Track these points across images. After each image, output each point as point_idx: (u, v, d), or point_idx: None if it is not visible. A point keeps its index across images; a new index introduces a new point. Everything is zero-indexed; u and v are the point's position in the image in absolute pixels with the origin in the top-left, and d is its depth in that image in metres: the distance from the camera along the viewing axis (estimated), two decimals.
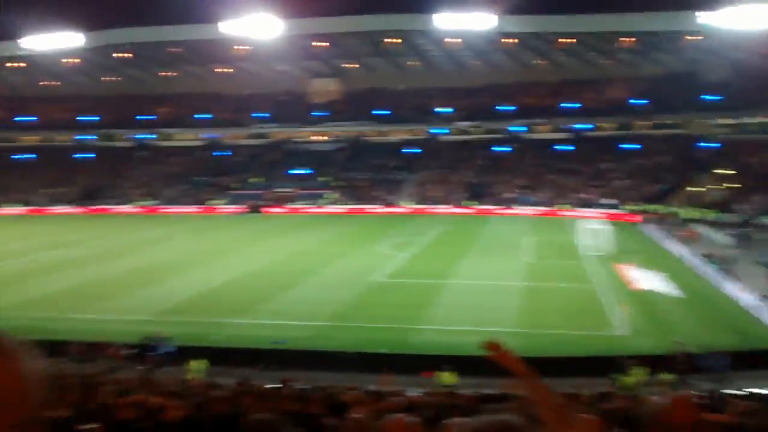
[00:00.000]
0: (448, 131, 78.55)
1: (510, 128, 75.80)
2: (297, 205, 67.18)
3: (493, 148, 73.85)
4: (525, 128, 75.61)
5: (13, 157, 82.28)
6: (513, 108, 75.83)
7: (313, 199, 67.94)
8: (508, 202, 62.90)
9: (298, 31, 70.96)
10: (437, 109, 78.61)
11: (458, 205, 63.33)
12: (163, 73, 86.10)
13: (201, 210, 68.04)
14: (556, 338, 22.36)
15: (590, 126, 73.24)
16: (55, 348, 21.34)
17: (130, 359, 20.54)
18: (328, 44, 75.37)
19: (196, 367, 18.86)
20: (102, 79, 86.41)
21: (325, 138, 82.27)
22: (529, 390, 2.52)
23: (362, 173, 72.29)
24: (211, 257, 39.14)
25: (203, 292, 29.66)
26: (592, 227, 39.42)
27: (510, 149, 73.57)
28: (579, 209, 57.14)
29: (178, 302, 27.74)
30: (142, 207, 69.78)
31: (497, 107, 76.16)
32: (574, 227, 44.70)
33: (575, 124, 73.50)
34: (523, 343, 19.84)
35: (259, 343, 21.92)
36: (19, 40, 71.79)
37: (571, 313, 25.54)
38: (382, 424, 3.02)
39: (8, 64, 79.87)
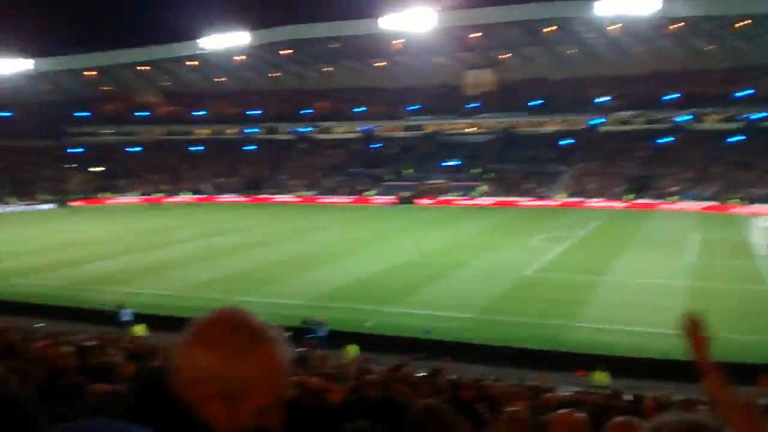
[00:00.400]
0: (606, 121, 75.29)
1: (675, 119, 71.34)
2: (449, 197, 67.40)
3: (656, 140, 69.82)
4: (691, 117, 70.85)
5: (188, 149, 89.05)
6: (678, 96, 71.26)
7: (465, 190, 67.81)
8: (672, 196, 59.32)
9: (453, 22, 71.09)
10: (596, 99, 75.52)
11: (617, 199, 60.68)
12: (322, 69, 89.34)
13: (355, 201, 70.09)
14: (723, 343, 20.79)
15: (765, 114, 67.22)
16: None
17: (287, 341, 21.60)
18: (482, 34, 74.75)
19: (351, 352, 19.46)
20: (267, 75, 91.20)
21: (478, 129, 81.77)
22: (712, 387, 2.36)
23: (515, 165, 71.15)
24: (365, 247, 40.26)
25: (356, 280, 30.58)
26: (766, 225, 36.29)
27: (674, 140, 69.25)
28: (751, 205, 52.79)
29: (332, 289, 28.79)
30: (300, 197, 73.05)
31: (661, 96, 71.92)
32: (746, 224, 41.39)
33: (749, 113, 67.73)
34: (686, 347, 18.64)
35: (409, 332, 22.22)
36: (197, 40, 77.54)
37: (741, 317, 23.68)
38: (550, 419, 2.95)
39: (187, 63, 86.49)
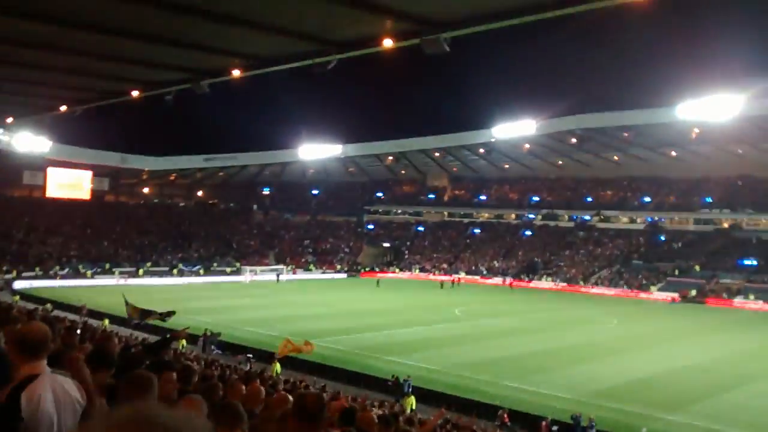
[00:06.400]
0: None
1: None
2: (743, 300, 60.91)
3: None
4: None
5: (469, 231, 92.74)
6: None
7: (766, 294, 60.72)
8: None
9: (762, 111, 63.96)
10: None
11: None
12: (609, 157, 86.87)
13: (633, 294, 66.66)
14: None
15: None
16: (488, 410, 23.35)
17: None
18: None
19: None
20: (551, 162, 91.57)
21: None
22: None
23: None
24: (643, 344, 37.89)
25: (632, 379, 28.88)
26: None
27: None
28: None
29: (605, 386, 27.45)
30: (566, 285, 72.22)
31: None
32: None
33: None
34: None
35: None
36: (489, 129, 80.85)
37: None
38: None
39: (480, 150, 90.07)
